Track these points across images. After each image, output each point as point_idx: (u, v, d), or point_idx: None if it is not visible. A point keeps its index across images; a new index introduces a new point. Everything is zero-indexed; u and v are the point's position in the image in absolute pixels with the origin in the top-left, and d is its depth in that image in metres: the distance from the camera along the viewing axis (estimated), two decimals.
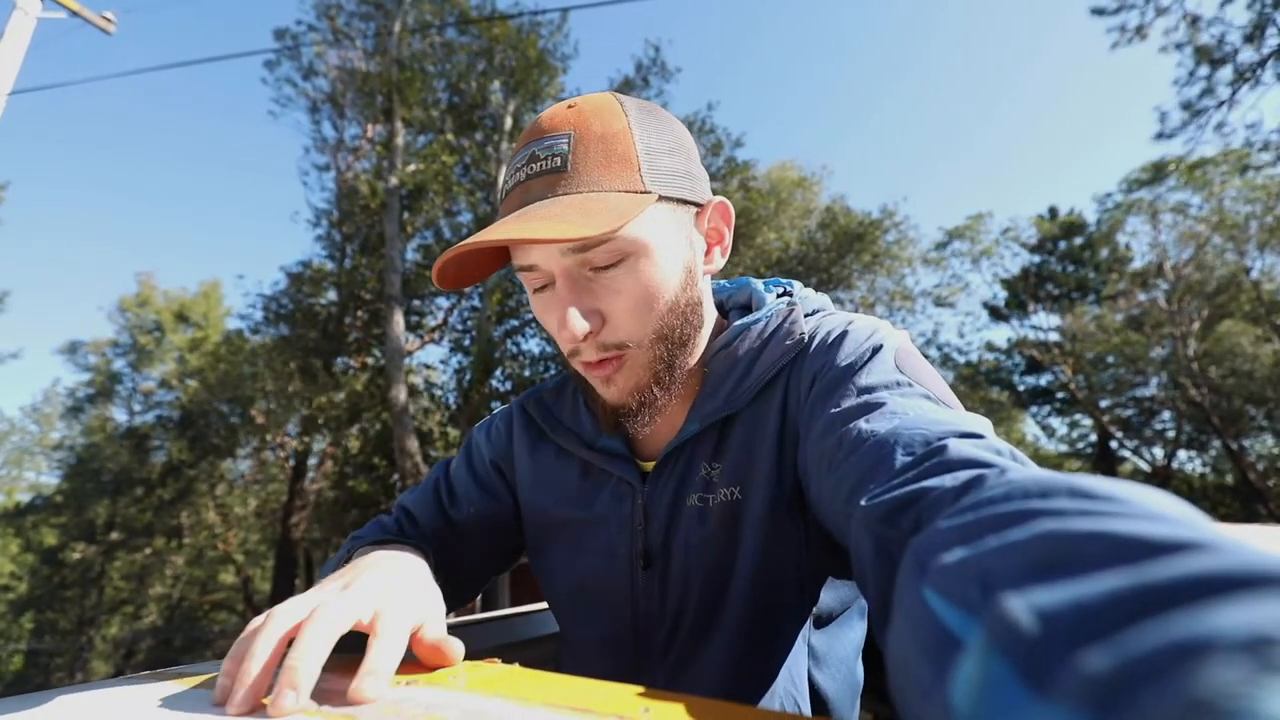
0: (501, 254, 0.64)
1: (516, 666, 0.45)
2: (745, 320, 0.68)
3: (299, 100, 11.58)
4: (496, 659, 0.48)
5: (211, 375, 12.36)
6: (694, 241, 0.65)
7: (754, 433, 0.65)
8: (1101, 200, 15.46)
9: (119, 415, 16.91)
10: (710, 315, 0.70)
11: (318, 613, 0.42)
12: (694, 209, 0.65)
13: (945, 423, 0.45)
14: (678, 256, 0.62)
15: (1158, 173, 13.42)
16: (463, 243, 0.55)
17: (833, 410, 0.54)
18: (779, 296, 0.74)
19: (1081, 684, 0.16)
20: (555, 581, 0.75)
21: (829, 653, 0.67)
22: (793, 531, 0.63)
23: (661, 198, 0.59)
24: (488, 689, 0.39)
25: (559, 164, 0.57)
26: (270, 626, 0.42)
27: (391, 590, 0.48)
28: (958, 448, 0.40)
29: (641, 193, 0.57)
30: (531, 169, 0.58)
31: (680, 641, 0.65)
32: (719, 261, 0.68)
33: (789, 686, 0.63)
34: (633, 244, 0.58)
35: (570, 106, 0.61)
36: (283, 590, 12.37)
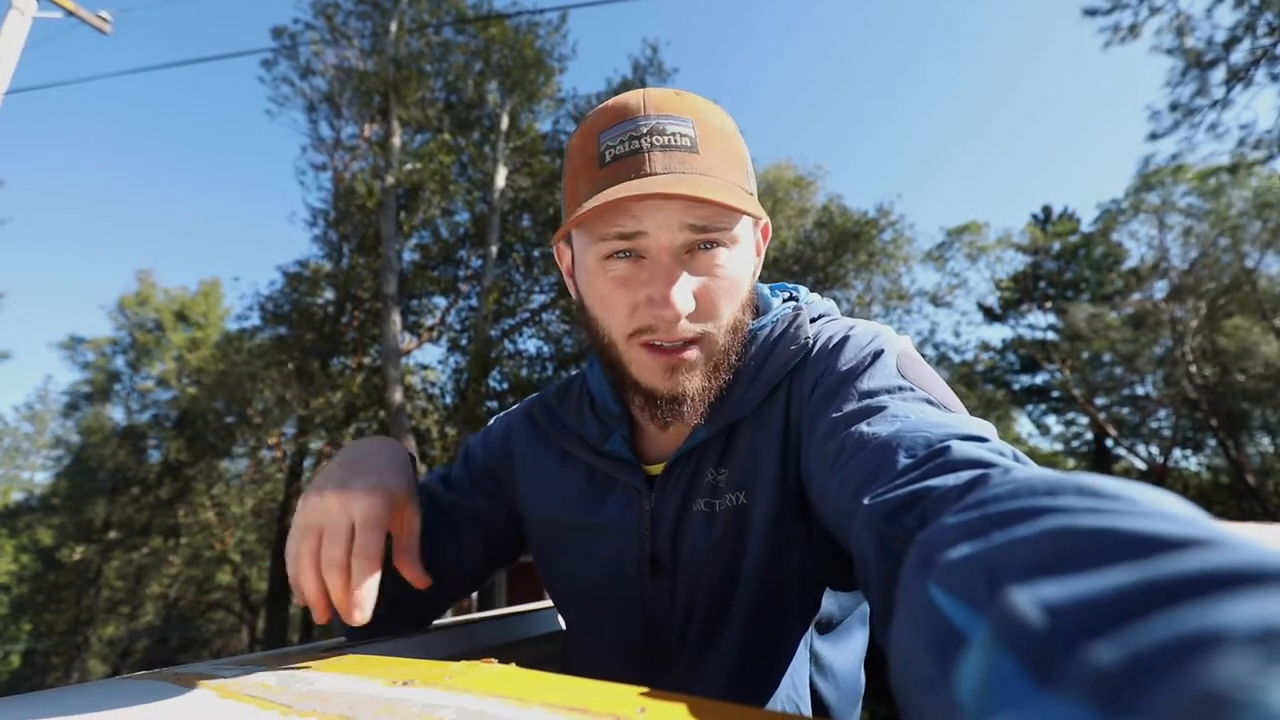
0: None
1: (513, 666, 0.45)
2: (752, 325, 0.68)
3: (296, 99, 11.56)
4: (493, 659, 0.48)
5: (210, 375, 12.33)
6: (755, 248, 0.69)
7: (759, 438, 0.65)
8: (1104, 206, 15.54)
9: (117, 414, 16.88)
10: None
11: (325, 553, 0.56)
12: (754, 220, 0.68)
13: (947, 425, 0.45)
14: (751, 257, 0.66)
15: (1164, 175, 13.43)
16: (615, 190, 0.55)
17: (834, 414, 0.54)
18: (784, 301, 0.74)
19: (1090, 677, 0.16)
20: (564, 587, 0.75)
21: (831, 660, 0.67)
22: (797, 537, 0.63)
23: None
24: (484, 689, 0.39)
25: (689, 144, 0.58)
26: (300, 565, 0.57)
27: (361, 511, 0.58)
28: (961, 449, 0.40)
29: (750, 193, 0.61)
30: (655, 140, 0.58)
31: (688, 647, 0.65)
32: (756, 273, 0.70)
33: (791, 692, 0.63)
34: (734, 237, 0.60)
35: (678, 95, 0.62)
36: (279, 590, 12.33)
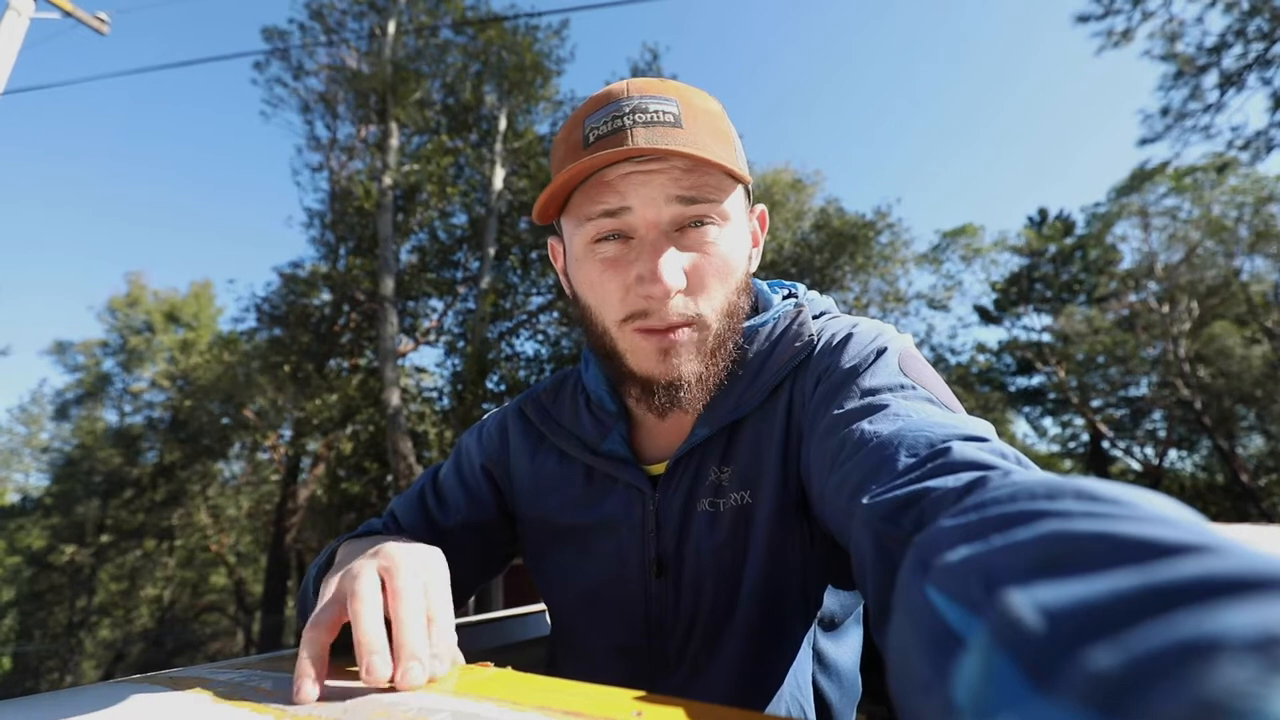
0: (563, 198, 0.62)
1: (509, 670, 0.46)
2: (753, 322, 0.68)
3: (291, 100, 11.50)
4: (489, 662, 0.48)
5: (204, 376, 12.28)
6: (753, 236, 0.68)
7: (762, 436, 0.65)
8: (1089, 210, 15.71)
9: (109, 416, 16.79)
10: None
11: (403, 592, 0.45)
12: (749, 205, 0.68)
13: (949, 425, 0.45)
14: (745, 238, 0.65)
15: (1146, 179, 13.58)
16: (591, 158, 0.55)
17: (836, 411, 0.54)
18: (784, 299, 0.73)
19: (1087, 681, 0.16)
20: (561, 588, 0.74)
21: (833, 659, 0.67)
22: (799, 535, 0.63)
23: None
24: (480, 692, 0.39)
25: (672, 120, 0.58)
26: (367, 608, 0.44)
27: (430, 573, 0.50)
28: (961, 450, 0.40)
29: (739, 169, 0.60)
30: (638, 118, 0.57)
31: (693, 648, 0.64)
32: (754, 262, 0.70)
33: (795, 692, 0.63)
34: (724, 213, 0.59)
35: (663, 80, 0.62)
36: (275, 593, 12.28)
